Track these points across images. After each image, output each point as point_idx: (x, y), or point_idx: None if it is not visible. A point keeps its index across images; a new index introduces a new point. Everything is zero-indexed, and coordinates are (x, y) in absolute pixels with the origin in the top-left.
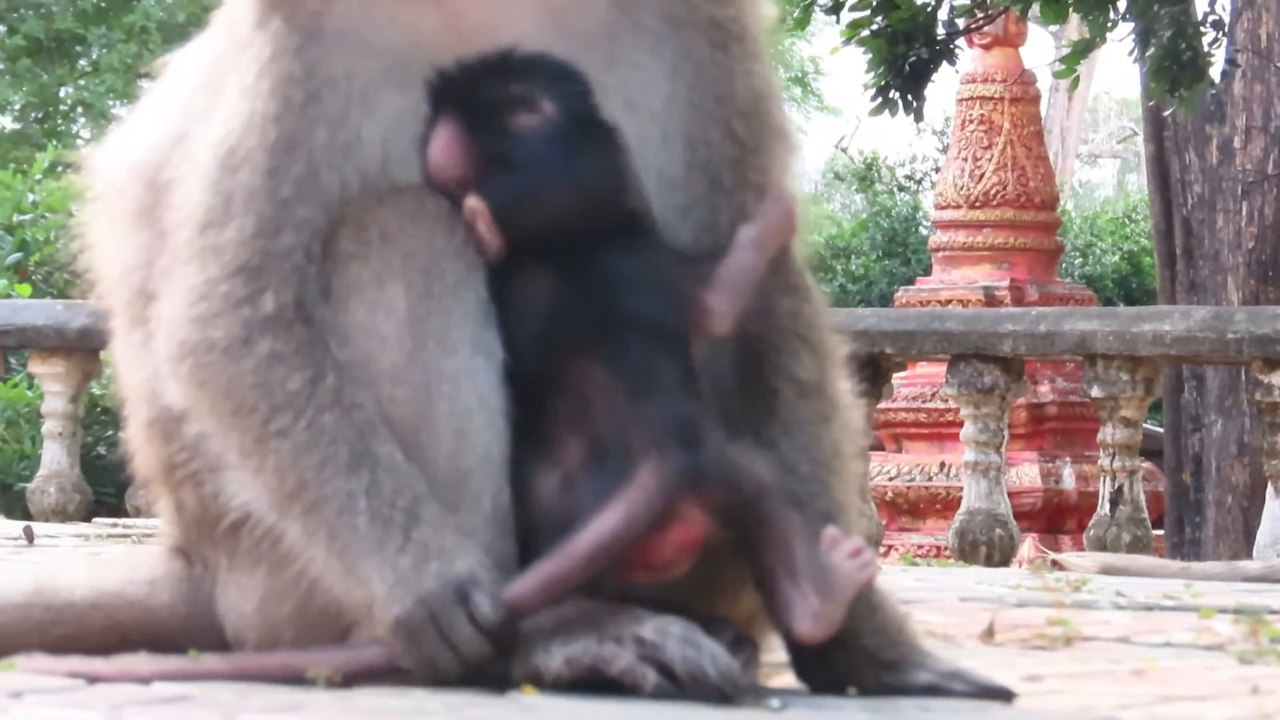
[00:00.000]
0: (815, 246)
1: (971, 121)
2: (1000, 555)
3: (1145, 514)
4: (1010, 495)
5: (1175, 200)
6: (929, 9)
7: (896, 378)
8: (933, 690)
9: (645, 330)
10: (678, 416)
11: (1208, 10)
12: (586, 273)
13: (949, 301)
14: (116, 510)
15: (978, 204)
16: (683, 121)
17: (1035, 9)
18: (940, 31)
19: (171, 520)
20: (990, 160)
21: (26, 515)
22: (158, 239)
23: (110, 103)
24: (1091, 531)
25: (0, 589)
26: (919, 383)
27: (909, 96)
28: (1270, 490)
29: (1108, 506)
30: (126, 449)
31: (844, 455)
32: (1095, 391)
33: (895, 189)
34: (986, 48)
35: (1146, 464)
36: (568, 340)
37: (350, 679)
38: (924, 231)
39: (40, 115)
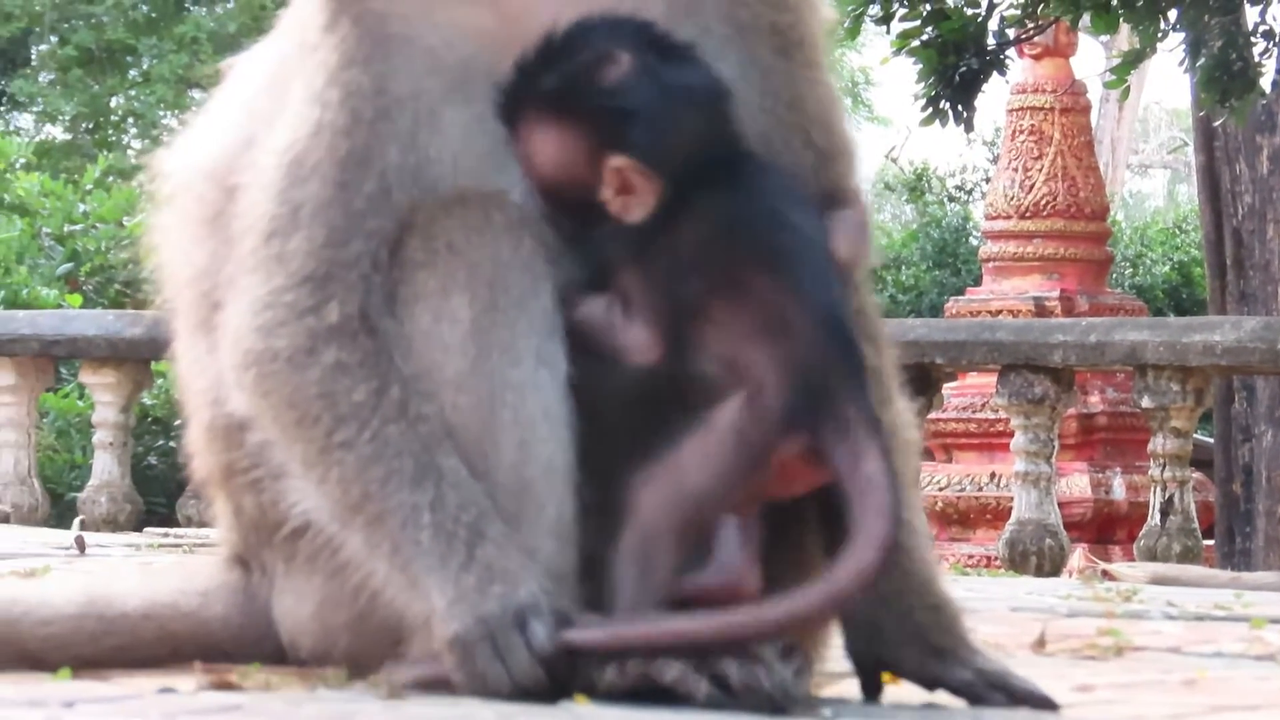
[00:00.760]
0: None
1: (1022, 132)
2: (1050, 565)
3: (1195, 524)
4: (1060, 505)
5: (1225, 210)
6: (979, 19)
7: (947, 388)
8: (970, 693)
9: (807, 251)
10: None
11: (1259, 20)
12: (739, 203)
13: (999, 312)
14: (167, 520)
15: (1028, 214)
16: (757, 126)
17: (1086, 19)
18: (991, 42)
19: (229, 525)
20: (1041, 170)
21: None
22: (226, 245)
23: (161, 113)
24: (1142, 542)
25: (53, 599)
26: (969, 393)
27: (959, 107)
28: None
29: (1158, 517)
30: (179, 457)
31: (902, 437)
32: (1145, 402)
33: (945, 199)
34: (1037, 58)
35: (1197, 474)
36: (729, 269)
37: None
38: (974, 242)
39: (91, 125)
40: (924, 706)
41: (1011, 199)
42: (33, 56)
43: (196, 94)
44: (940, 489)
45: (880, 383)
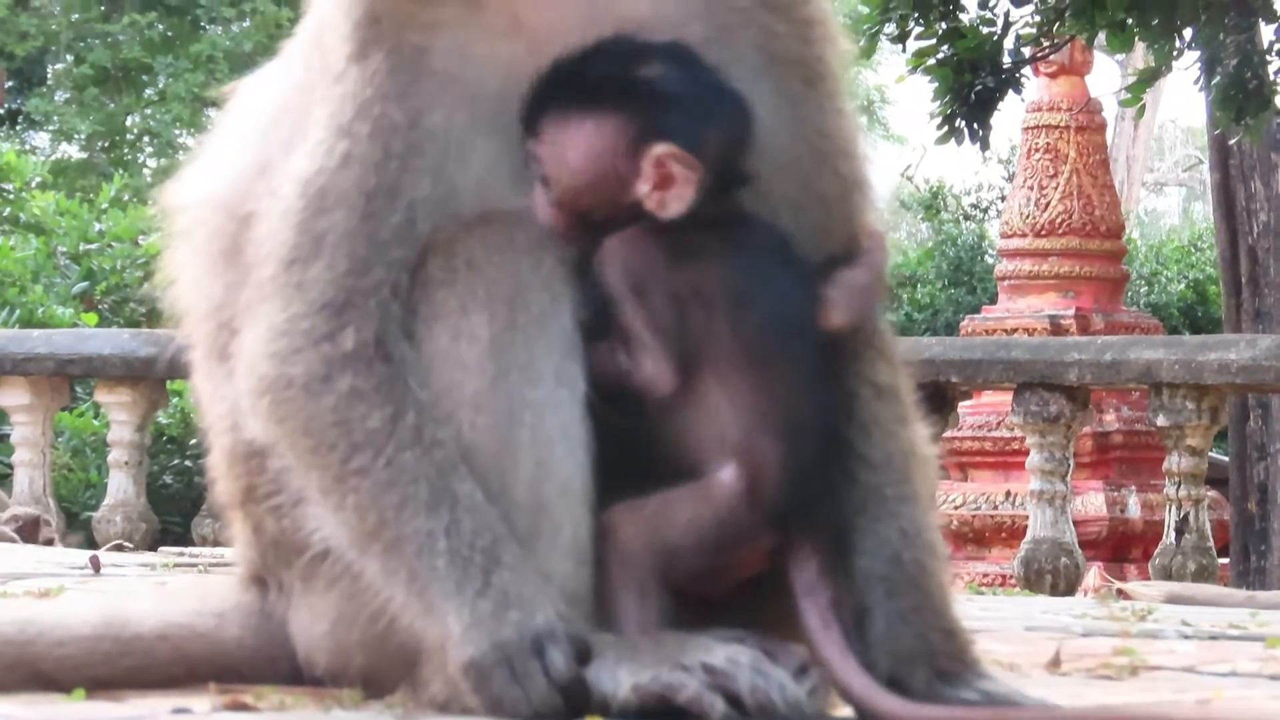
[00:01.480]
0: None
1: (1037, 150)
2: (1066, 584)
3: (1211, 543)
4: (1076, 524)
5: (1241, 228)
6: (995, 38)
7: (962, 406)
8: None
9: (782, 320)
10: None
11: (1274, 39)
12: (734, 258)
13: (1015, 330)
14: (182, 539)
15: (1043, 232)
16: (787, 156)
17: (1101, 37)
18: (1006, 60)
19: (248, 544)
20: (1056, 189)
21: (92, 544)
22: (241, 276)
23: (177, 132)
24: (1157, 560)
25: (68, 620)
26: (984, 411)
27: (975, 125)
28: None
29: (1173, 535)
30: (195, 476)
31: (920, 455)
32: (1161, 420)
33: (961, 217)
34: (1052, 76)
35: (1212, 493)
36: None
37: None
38: (990, 260)
39: (107, 144)
40: None
41: (1027, 217)
42: (49, 75)
43: (212, 113)
44: (956, 507)
45: (898, 400)
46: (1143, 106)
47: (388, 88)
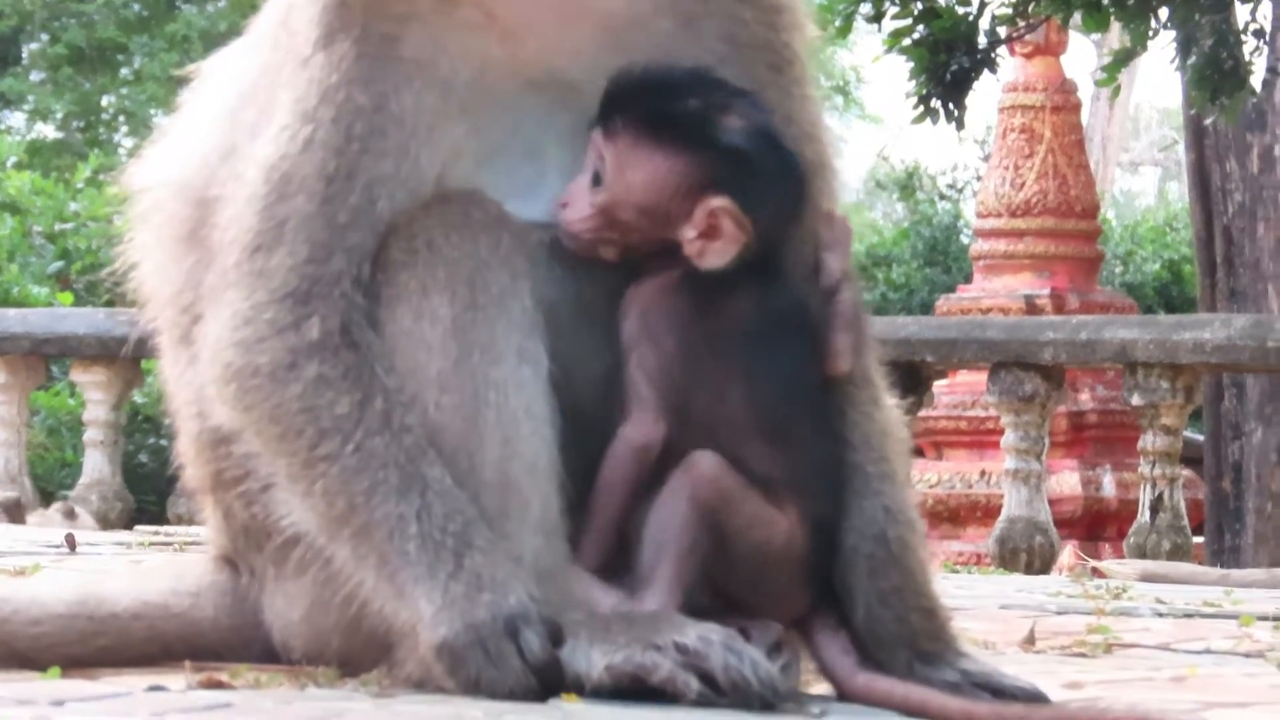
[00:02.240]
0: (857, 255)
1: (1013, 130)
2: (1041, 563)
3: (1185, 521)
4: (1051, 503)
5: (1216, 208)
6: (970, 18)
7: (937, 385)
8: (955, 694)
9: (789, 370)
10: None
11: (1249, 19)
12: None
13: (990, 310)
14: (158, 518)
15: (1019, 212)
16: None
17: (1077, 18)
18: (981, 40)
19: (219, 529)
20: (1031, 169)
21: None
22: (203, 260)
23: (152, 112)
24: (1132, 539)
25: (43, 599)
26: (960, 390)
27: (950, 105)
28: None
29: (1148, 514)
30: (171, 459)
31: (895, 435)
32: (1136, 399)
33: (937, 197)
34: (1028, 56)
35: (1186, 471)
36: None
37: None
38: (965, 240)
39: (82, 124)
40: None
41: (1002, 197)
42: (24, 55)
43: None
44: (931, 487)
45: (871, 384)
46: (1118, 87)
47: (354, 73)
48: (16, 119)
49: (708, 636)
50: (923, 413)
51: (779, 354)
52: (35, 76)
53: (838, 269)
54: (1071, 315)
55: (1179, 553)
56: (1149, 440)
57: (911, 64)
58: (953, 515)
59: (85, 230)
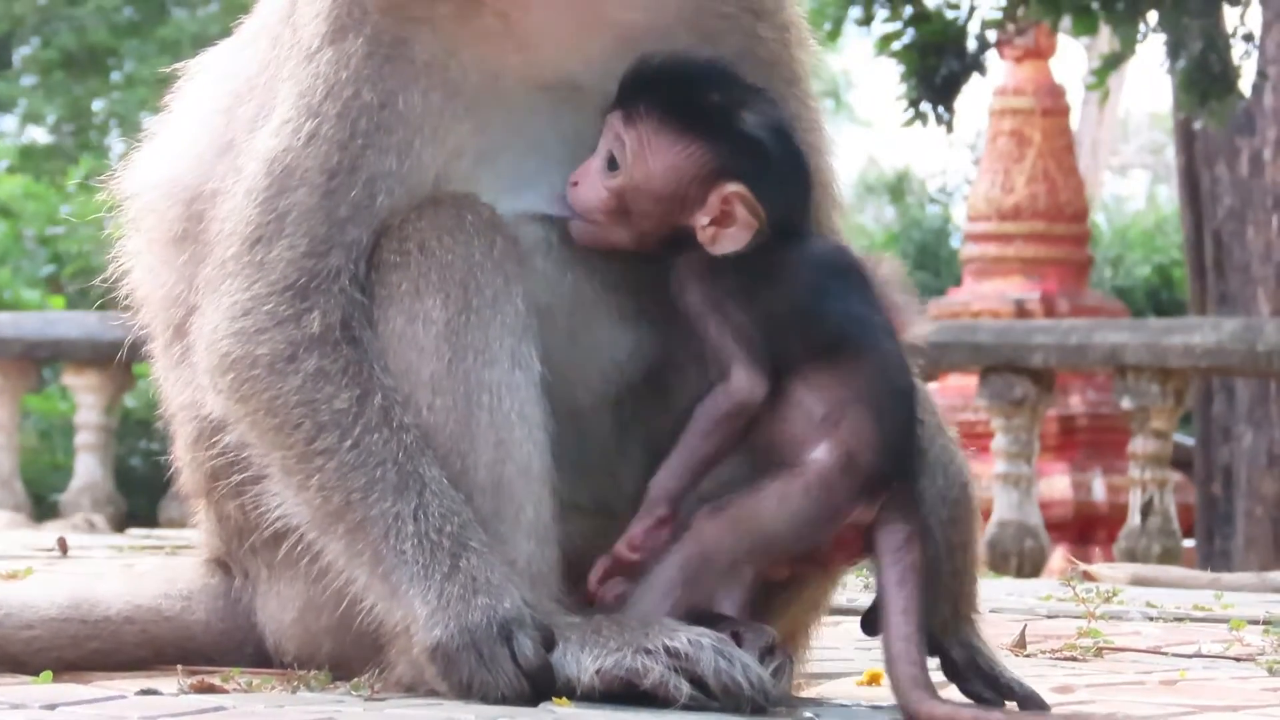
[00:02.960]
0: None
1: (1003, 134)
2: (1031, 566)
3: (1175, 525)
4: (1041, 506)
5: (1205, 212)
6: (960, 22)
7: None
8: (956, 671)
9: (851, 317)
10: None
11: (1238, 23)
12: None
13: (980, 313)
14: (150, 521)
15: (1009, 216)
16: None
17: (1066, 21)
18: (971, 44)
19: (212, 532)
20: (1021, 173)
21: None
22: (198, 254)
23: (143, 116)
24: (1122, 542)
25: (35, 602)
26: (950, 394)
27: (940, 109)
28: None
29: (1138, 518)
30: (162, 459)
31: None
32: (1126, 403)
33: (926, 201)
34: (1018, 60)
35: (1177, 475)
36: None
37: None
38: (955, 244)
39: (74, 128)
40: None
41: (992, 201)
42: (15, 59)
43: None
44: None
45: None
46: (1107, 91)
47: (363, 69)
48: (8, 123)
49: (698, 640)
50: None
51: (831, 297)
52: (27, 80)
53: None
54: (1061, 319)
55: (1169, 556)
56: (1139, 444)
57: (901, 68)
58: None
59: (77, 234)
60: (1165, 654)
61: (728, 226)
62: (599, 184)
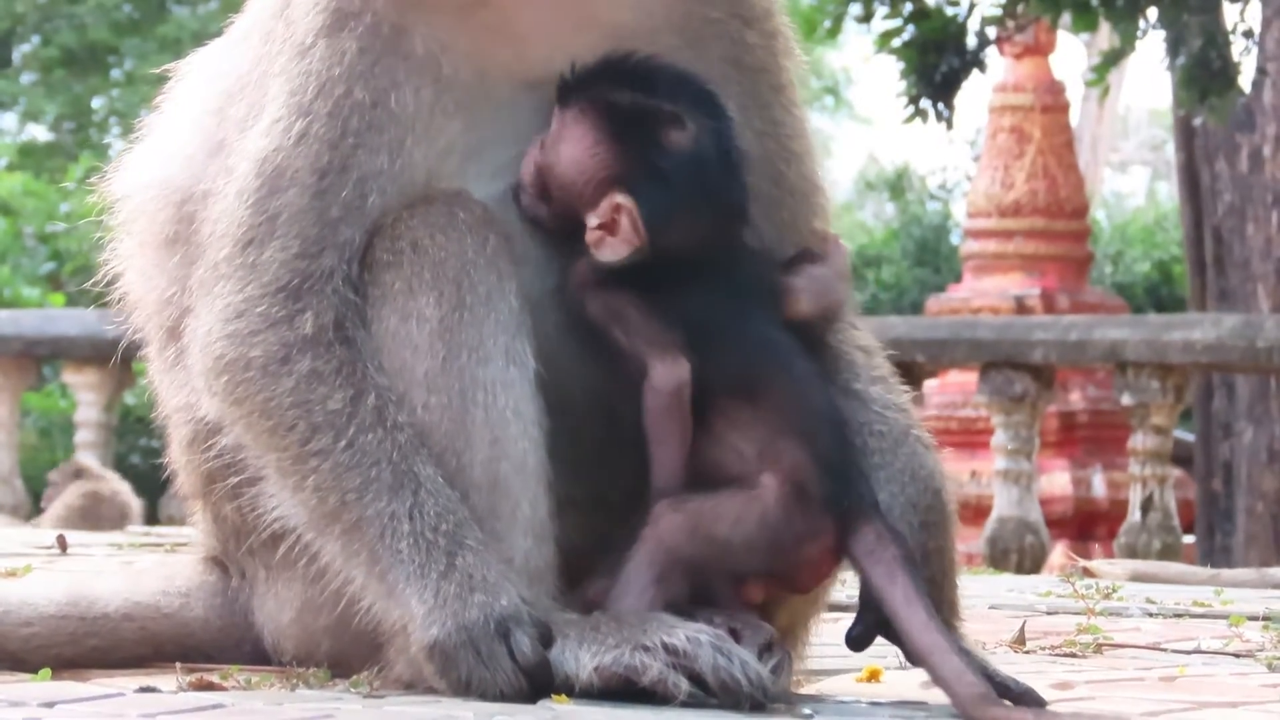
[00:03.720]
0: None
1: (1003, 131)
2: (1031, 563)
3: (1175, 521)
4: (1041, 503)
5: (1205, 208)
6: (960, 19)
7: (927, 385)
8: None
9: (765, 346)
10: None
11: (1238, 20)
12: (708, 285)
13: (980, 310)
14: (149, 519)
15: (1009, 213)
16: (759, 155)
17: (1066, 18)
18: (971, 41)
19: (210, 533)
20: (1021, 169)
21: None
22: (190, 255)
23: (144, 113)
24: (1122, 539)
25: (34, 600)
26: (950, 390)
27: (940, 105)
28: None
29: (1138, 514)
30: (161, 456)
31: (902, 397)
32: (1126, 399)
33: (927, 198)
34: (1018, 57)
35: (1177, 471)
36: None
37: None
38: (955, 240)
39: (74, 126)
40: (901, 704)
41: (992, 197)
42: (15, 57)
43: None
44: None
45: (877, 354)
46: (1107, 87)
47: (358, 66)
48: (8, 120)
49: (697, 637)
50: None
51: (743, 323)
52: (27, 78)
53: (826, 271)
54: (1061, 315)
55: (1169, 552)
56: (1139, 440)
57: (901, 65)
58: None
59: (77, 232)
60: (1165, 650)
61: (612, 234)
62: (530, 161)
